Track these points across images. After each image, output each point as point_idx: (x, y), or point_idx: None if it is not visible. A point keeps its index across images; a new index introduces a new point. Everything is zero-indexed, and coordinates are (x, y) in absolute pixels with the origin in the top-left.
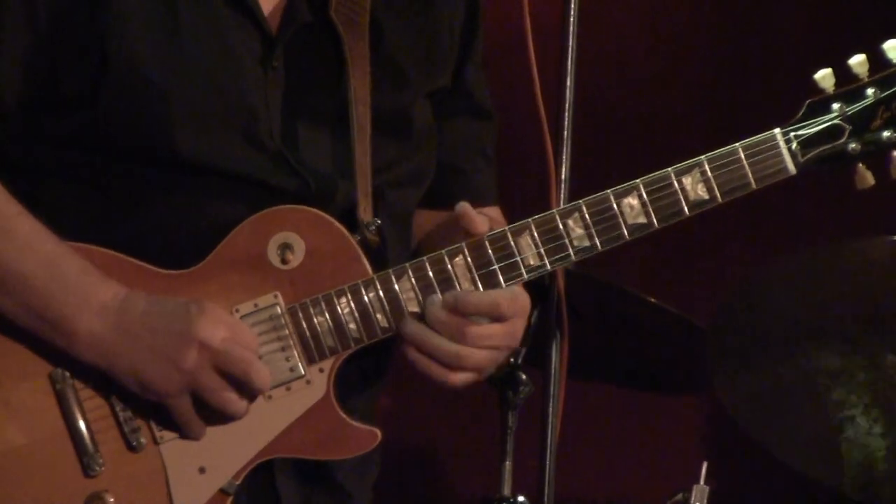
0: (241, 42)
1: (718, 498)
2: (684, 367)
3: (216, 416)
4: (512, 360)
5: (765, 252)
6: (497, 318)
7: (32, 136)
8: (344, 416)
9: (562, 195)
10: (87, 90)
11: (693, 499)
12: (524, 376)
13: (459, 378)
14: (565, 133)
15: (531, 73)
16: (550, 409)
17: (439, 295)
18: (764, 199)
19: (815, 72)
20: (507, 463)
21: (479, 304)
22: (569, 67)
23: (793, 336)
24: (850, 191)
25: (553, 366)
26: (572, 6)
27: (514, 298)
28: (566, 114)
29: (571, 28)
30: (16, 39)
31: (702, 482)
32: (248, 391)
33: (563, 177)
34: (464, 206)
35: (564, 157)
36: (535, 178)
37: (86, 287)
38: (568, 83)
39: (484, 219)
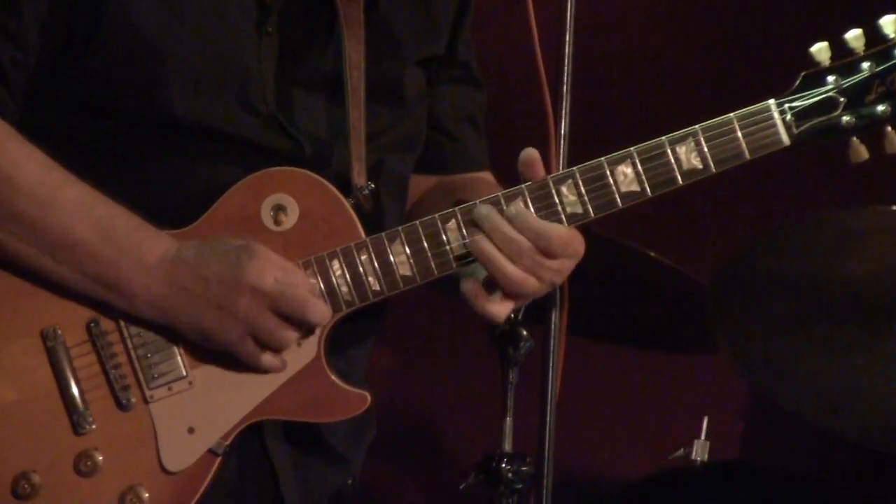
0: (237, 6)
1: (719, 453)
2: (686, 324)
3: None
4: (512, 315)
5: (770, 212)
6: (544, 251)
7: (33, 98)
8: (334, 378)
9: (561, 151)
10: (82, 45)
11: (694, 453)
12: (525, 332)
13: (503, 308)
14: (564, 88)
15: (530, 30)
16: (551, 366)
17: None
18: (770, 161)
19: (812, 45)
20: (508, 419)
21: (536, 229)
22: (568, 23)
23: (796, 302)
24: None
25: (553, 322)
26: None
27: (571, 239)
28: (565, 69)
29: None
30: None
31: (703, 437)
32: (307, 328)
33: (562, 132)
34: (531, 153)
35: (564, 113)
36: (537, 133)
37: (139, 245)
38: (567, 38)
39: (542, 170)
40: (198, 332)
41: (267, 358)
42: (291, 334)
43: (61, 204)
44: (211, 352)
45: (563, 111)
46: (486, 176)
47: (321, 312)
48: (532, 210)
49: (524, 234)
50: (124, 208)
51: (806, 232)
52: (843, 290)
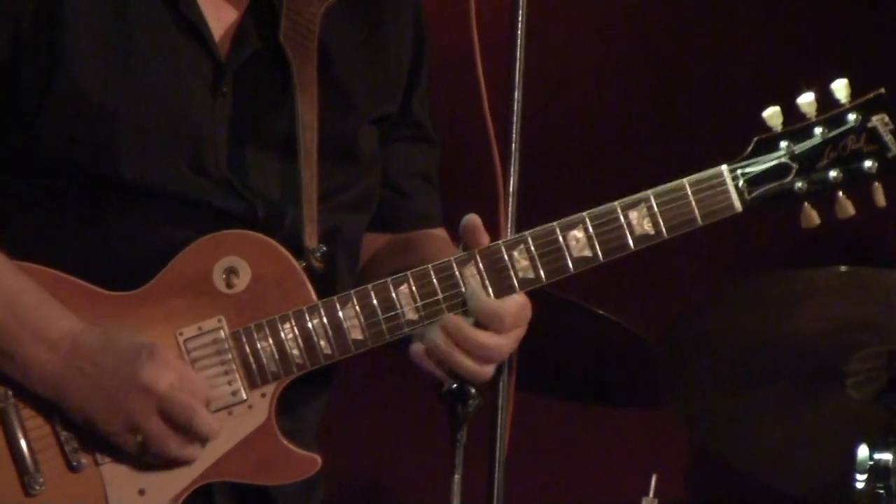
0: (192, 67)
1: None
2: (633, 381)
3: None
4: None
5: (715, 271)
6: (497, 329)
7: None
8: (285, 441)
9: (510, 209)
10: (33, 109)
11: None
12: (473, 390)
13: (486, 369)
14: (513, 146)
15: (479, 88)
16: (499, 423)
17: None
18: (721, 222)
19: (764, 105)
20: (457, 476)
21: (488, 310)
22: (517, 81)
23: (742, 367)
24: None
25: (502, 378)
26: (520, 22)
27: (522, 310)
28: (514, 127)
29: (519, 43)
30: None
31: (651, 495)
32: (193, 438)
33: (510, 190)
34: (472, 219)
35: (512, 171)
36: (485, 192)
37: (42, 320)
38: (516, 96)
39: (486, 235)
40: (82, 416)
41: (142, 457)
42: (173, 443)
43: None
44: None
45: (512, 170)
46: (440, 232)
47: (208, 425)
48: (484, 275)
49: (477, 317)
50: (35, 283)
51: (755, 291)
52: (791, 348)
